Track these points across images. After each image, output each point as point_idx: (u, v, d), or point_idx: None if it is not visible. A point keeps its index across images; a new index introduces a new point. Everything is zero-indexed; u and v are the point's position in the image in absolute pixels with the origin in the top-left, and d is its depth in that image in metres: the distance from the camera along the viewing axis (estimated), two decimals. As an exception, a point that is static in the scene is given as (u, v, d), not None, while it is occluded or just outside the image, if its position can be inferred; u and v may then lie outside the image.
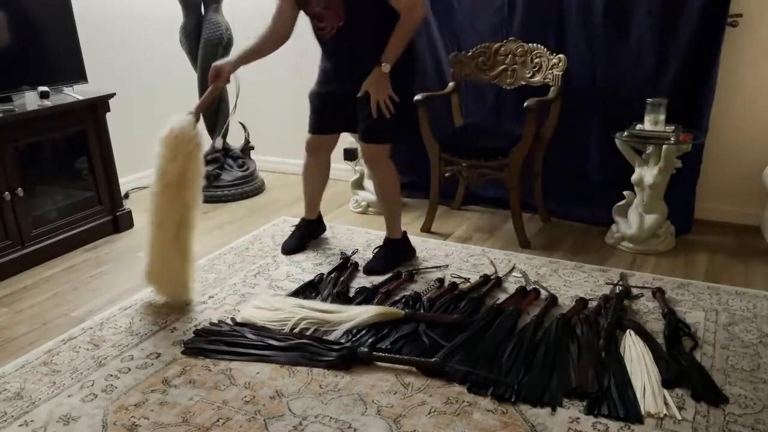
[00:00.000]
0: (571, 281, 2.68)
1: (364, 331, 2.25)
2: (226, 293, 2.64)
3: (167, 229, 2.39)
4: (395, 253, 2.88)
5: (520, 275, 2.74)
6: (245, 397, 1.97)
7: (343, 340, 2.21)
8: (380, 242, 2.95)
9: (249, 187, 3.95)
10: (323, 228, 3.19)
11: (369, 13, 2.47)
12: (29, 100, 3.07)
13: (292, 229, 3.14)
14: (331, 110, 2.77)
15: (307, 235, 3.09)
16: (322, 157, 2.95)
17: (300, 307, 2.40)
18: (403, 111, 2.60)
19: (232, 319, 2.41)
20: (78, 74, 3.24)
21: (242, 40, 3.86)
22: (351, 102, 2.63)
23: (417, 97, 3.12)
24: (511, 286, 2.63)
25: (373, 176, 2.89)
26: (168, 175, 2.34)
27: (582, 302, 2.42)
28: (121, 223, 3.42)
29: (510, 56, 3.23)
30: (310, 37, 4.23)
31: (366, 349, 2.11)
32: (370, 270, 2.79)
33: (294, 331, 2.28)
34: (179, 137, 2.36)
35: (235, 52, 2.73)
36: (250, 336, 2.26)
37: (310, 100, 2.82)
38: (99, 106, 3.23)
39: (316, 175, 3.00)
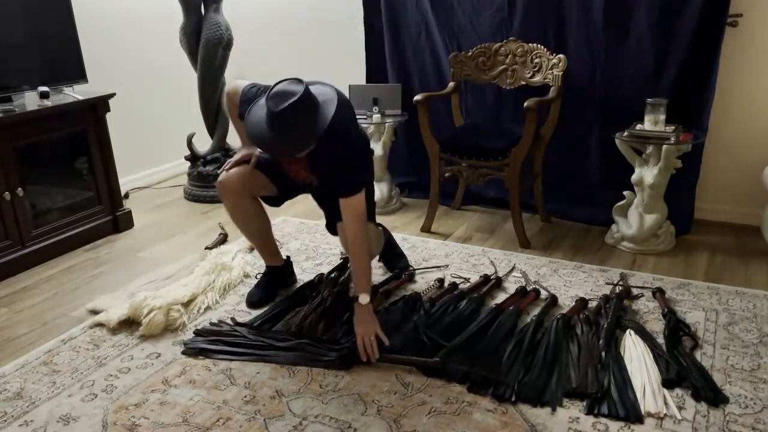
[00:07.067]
0: (571, 281, 2.68)
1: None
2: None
3: None
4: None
5: (520, 275, 2.74)
6: (245, 397, 1.97)
7: (343, 341, 2.21)
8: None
9: (249, 187, 3.95)
10: (294, 277, 2.74)
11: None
12: (29, 100, 3.07)
13: (258, 277, 2.72)
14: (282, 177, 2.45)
15: (274, 284, 2.64)
16: (246, 200, 2.45)
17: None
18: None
19: (232, 319, 2.41)
20: (78, 74, 3.24)
21: (242, 41, 3.89)
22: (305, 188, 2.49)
23: (417, 97, 3.13)
24: (511, 286, 2.63)
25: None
26: None
27: (582, 302, 2.42)
28: (121, 223, 3.42)
29: (510, 56, 3.23)
30: (309, 36, 4.21)
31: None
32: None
33: (292, 329, 2.29)
34: None
35: (243, 135, 2.45)
36: (250, 336, 2.27)
37: (261, 159, 2.42)
38: (99, 106, 3.23)
39: (253, 220, 2.52)
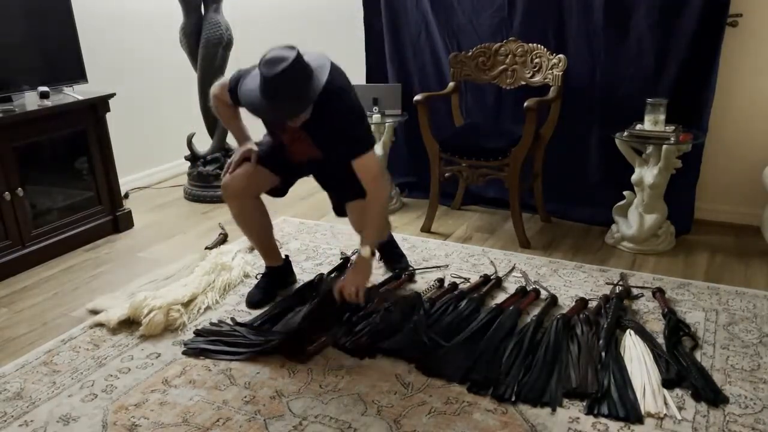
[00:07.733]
0: (571, 281, 2.68)
1: (367, 329, 2.25)
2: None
3: None
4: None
5: (520, 275, 2.74)
6: (245, 397, 1.97)
7: (344, 339, 2.21)
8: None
9: (249, 187, 3.94)
10: (293, 276, 2.73)
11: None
12: (29, 100, 3.07)
13: (258, 277, 2.72)
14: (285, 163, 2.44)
15: (274, 284, 2.64)
16: (251, 201, 2.47)
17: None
18: None
19: (232, 319, 2.41)
20: (78, 74, 3.24)
21: (242, 40, 3.89)
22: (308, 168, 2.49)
23: (417, 97, 3.13)
24: (511, 286, 2.63)
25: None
26: None
27: (582, 302, 2.42)
28: (121, 223, 3.42)
29: (510, 56, 3.23)
30: (309, 36, 4.21)
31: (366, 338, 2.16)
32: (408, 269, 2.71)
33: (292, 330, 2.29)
34: None
35: (238, 132, 2.50)
36: (250, 336, 2.27)
37: (260, 153, 2.42)
38: (99, 106, 3.23)
39: (257, 220, 2.53)
